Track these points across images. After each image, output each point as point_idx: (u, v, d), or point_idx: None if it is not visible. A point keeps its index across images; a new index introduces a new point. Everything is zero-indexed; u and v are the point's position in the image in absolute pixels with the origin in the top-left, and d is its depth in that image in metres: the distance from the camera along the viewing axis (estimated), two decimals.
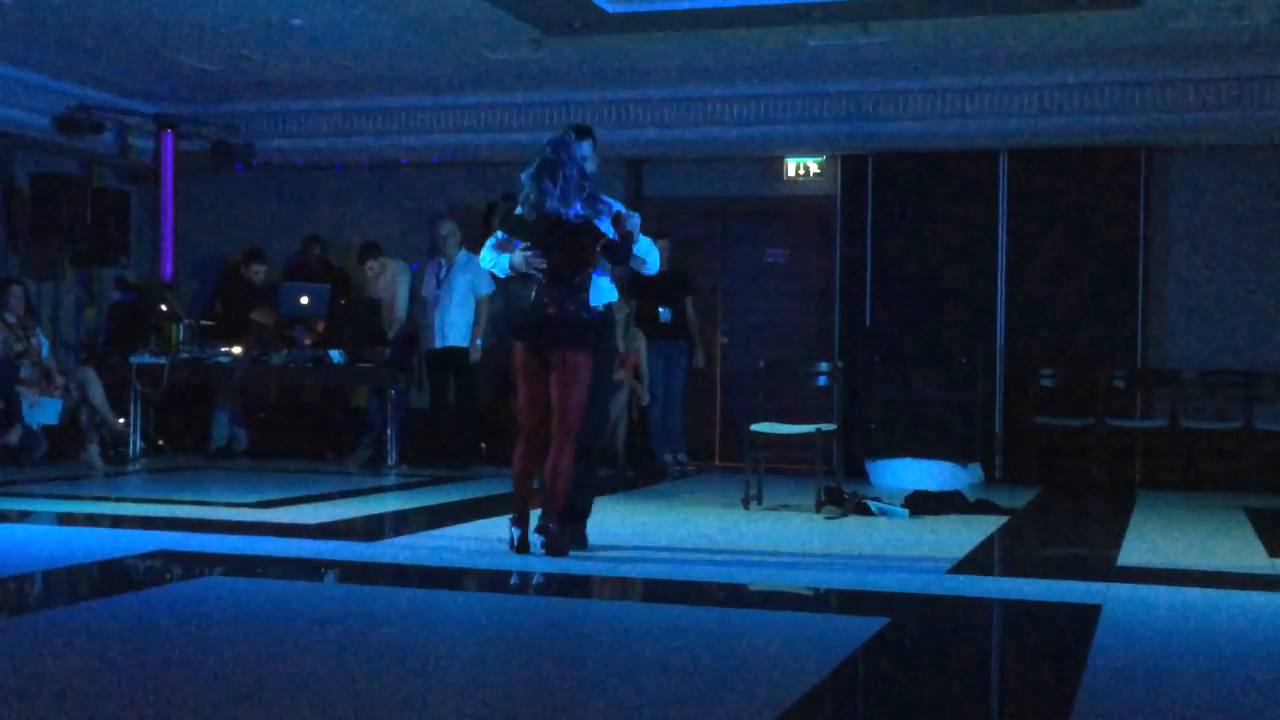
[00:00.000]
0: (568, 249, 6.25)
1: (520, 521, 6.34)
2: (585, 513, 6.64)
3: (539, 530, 6.29)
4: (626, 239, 6.41)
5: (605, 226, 6.38)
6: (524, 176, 6.33)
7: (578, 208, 6.26)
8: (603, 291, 6.52)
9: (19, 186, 11.52)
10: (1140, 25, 9.61)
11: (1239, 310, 10.64)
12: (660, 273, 11.22)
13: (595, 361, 6.36)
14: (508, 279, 7.03)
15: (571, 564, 6.21)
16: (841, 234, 11.33)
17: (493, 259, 6.51)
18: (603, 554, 6.50)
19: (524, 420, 6.37)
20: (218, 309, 11.77)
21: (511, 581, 5.92)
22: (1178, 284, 10.78)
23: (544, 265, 6.25)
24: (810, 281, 11.69)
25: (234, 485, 9.31)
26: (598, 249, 6.32)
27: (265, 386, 11.75)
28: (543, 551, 6.23)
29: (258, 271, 11.67)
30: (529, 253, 6.28)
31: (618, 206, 6.55)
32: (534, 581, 5.93)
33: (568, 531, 6.41)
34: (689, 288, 11.31)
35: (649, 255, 6.66)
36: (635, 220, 6.48)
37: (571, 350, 6.21)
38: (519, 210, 6.40)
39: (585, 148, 6.56)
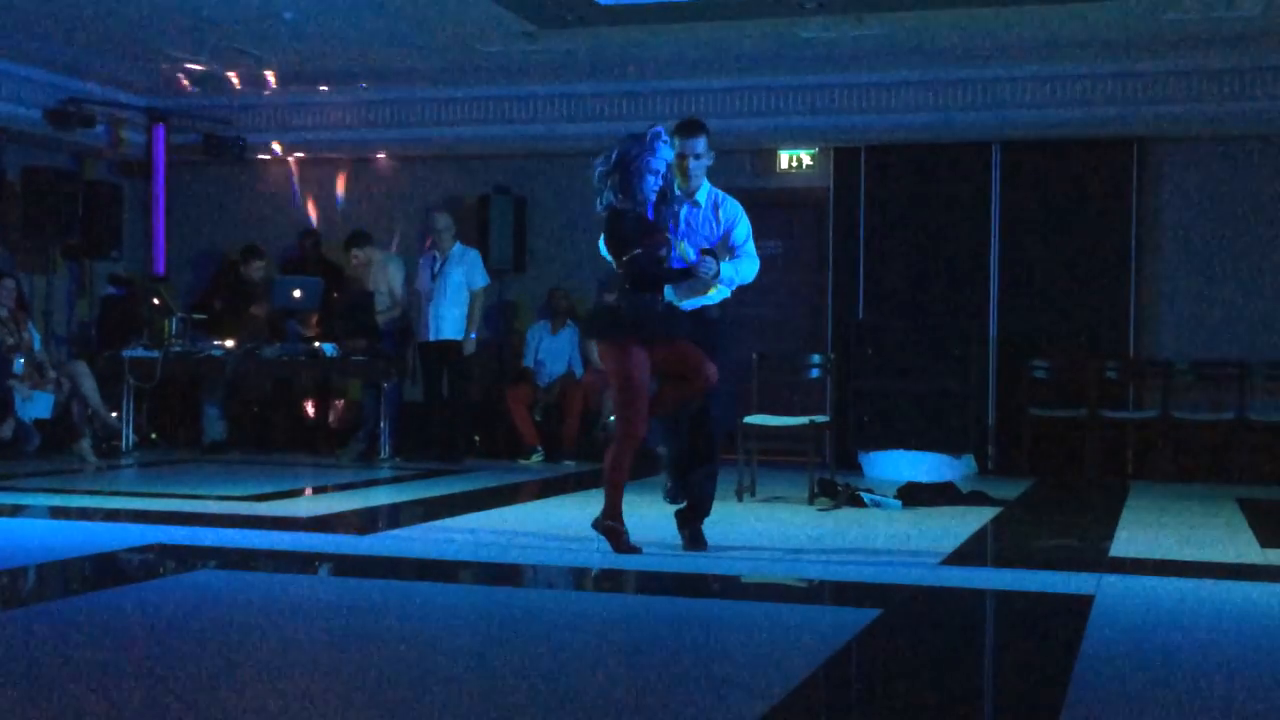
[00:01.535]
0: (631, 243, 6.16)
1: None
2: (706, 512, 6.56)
3: (595, 525, 6.28)
4: (684, 274, 6.24)
5: (696, 219, 6.35)
6: (596, 170, 6.18)
7: (642, 203, 6.14)
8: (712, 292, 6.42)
9: (10, 179, 11.49)
10: (1133, 16, 9.61)
11: (1231, 301, 10.66)
12: None
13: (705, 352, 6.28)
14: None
15: (566, 556, 6.22)
16: (834, 226, 11.34)
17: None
18: (596, 546, 6.50)
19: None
20: (217, 307, 11.72)
21: (504, 575, 5.92)
22: (1170, 275, 10.79)
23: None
24: (803, 274, 11.69)
25: (227, 479, 9.30)
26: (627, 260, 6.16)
27: (258, 380, 11.73)
28: (611, 549, 6.23)
29: (258, 269, 11.64)
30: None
31: (708, 195, 6.44)
32: (526, 574, 5.94)
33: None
34: None
35: (742, 281, 6.51)
36: (708, 267, 6.24)
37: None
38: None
39: (699, 144, 6.39)
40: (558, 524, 7.21)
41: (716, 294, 6.46)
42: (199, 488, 8.74)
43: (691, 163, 6.42)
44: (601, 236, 6.30)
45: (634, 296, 6.15)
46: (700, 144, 6.44)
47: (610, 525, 6.25)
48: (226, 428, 11.49)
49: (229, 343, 10.92)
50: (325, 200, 12.47)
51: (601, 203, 6.20)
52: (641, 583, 5.84)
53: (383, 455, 10.63)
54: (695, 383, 6.19)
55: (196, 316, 11.45)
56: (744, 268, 6.48)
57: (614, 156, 6.11)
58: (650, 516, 7.59)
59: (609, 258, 6.29)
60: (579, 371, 11.14)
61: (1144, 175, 10.79)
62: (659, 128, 6.20)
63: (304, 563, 6.18)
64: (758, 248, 6.64)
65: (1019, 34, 10.13)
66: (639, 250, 6.11)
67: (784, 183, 11.64)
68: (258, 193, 12.64)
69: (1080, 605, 5.17)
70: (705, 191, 6.51)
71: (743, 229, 6.50)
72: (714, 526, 6.70)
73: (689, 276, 6.25)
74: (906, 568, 6.03)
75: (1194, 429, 10.46)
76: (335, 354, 10.63)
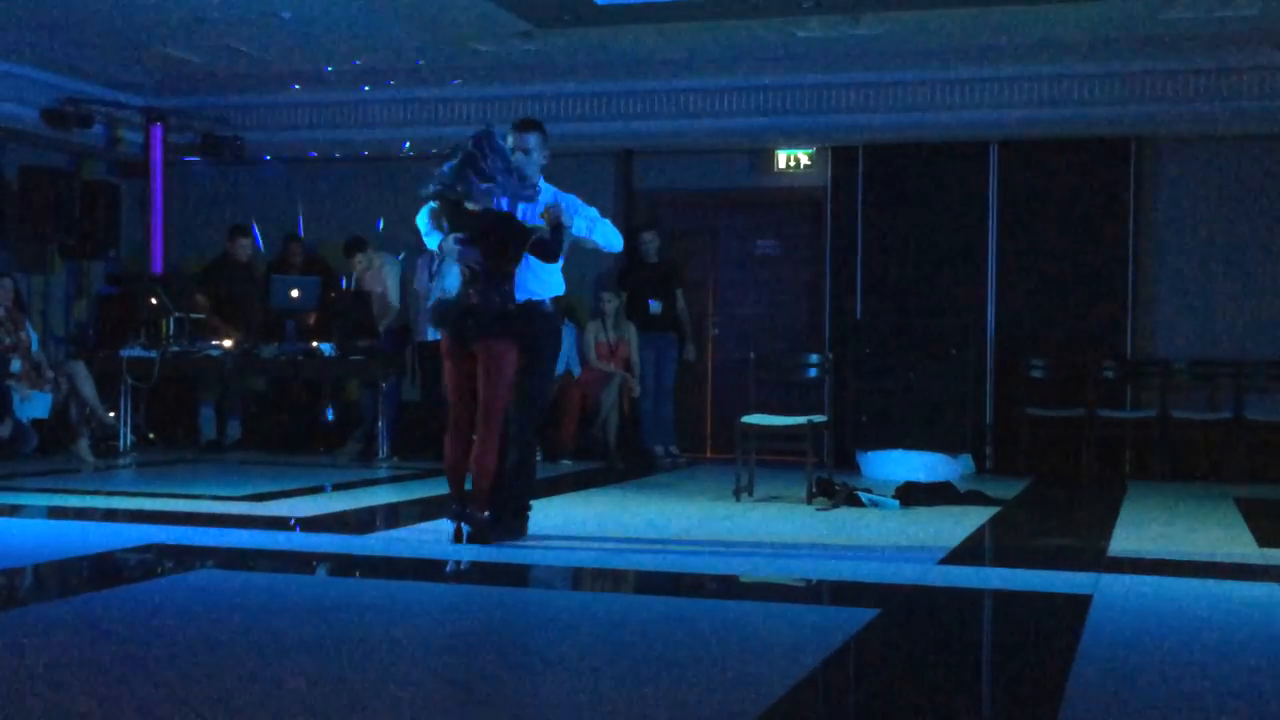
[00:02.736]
0: (491, 243, 6.28)
1: (464, 514, 6.41)
2: (526, 503, 6.67)
3: (463, 518, 6.35)
4: (557, 233, 6.41)
5: (534, 216, 6.45)
6: (445, 168, 6.33)
7: (504, 202, 6.31)
8: (548, 285, 6.58)
9: (8, 179, 11.49)
10: (1130, 16, 9.63)
11: (1229, 300, 10.66)
12: (651, 265, 11.35)
13: (534, 351, 6.44)
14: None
15: (564, 555, 6.22)
16: (832, 226, 11.34)
17: (426, 228, 6.54)
18: (594, 545, 6.51)
19: (454, 410, 6.39)
20: (202, 299, 11.62)
21: (502, 574, 5.92)
22: (1167, 274, 10.80)
23: (478, 262, 6.25)
24: (801, 273, 11.69)
25: (225, 479, 9.30)
26: (526, 247, 6.34)
27: (254, 379, 11.72)
28: (468, 540, 6.31)
29: (244, 246, 11.62)
30: (461, 245, 6.27)
31: (551, 195, 6.59)
32: (524, 574, 5.94)
33: (503, 520, 6.50)
34: (679, 280, 11.33)
35: (604, 237, 6.68)
36: (566, 206, 6.49)
37: (493, 340, 6.26)
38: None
39: (530, 139, 6.58)
40: (556, 523, 7.20)
41: (551, 289, 6.59)
42: (197, 488, 8.74)
43: (519, 157, 6.54)
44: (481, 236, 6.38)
45: (486, 291, 6.29)
46: (530, 139, 6.60)
47: (471, 514, 6.35)
48: (234, 426, 11.48)
49: (227, 342, 10.91)
50: (321, 200, 12.46)
51: (447, 196, 6.37)
52: (639, 582, 5.85)
53: (381, 455, 10.63)
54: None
55: (195, 316, 11.42)
56: (601, 225, 6.65)
57: (469, 149, 6.27)
58: (648, 515, 7.62)
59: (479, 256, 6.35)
60: (576, 371, 11.14)
61: (1141, 175, 10.80)
62: (488, 124, 6.51)
63: (302, 562, 6.19)
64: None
65: (1016, 33, 10.14)
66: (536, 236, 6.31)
67: (781, 182, 11.65)
68: (254, 192, 12.62)
69: (1078, 605, 5.17)
70: (541, 187, 6.64)
71: (589, 209, 6.68)
72: (711, 526, 6.70)
73: (559, 231, 6.38)
74: (904, 567, 6.03)
75: (1191, 428, 10.46)
76: (333, 354, 10.62)
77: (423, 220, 6.54)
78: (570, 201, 6.66)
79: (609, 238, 6.73)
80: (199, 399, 11.43)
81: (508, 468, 6.51)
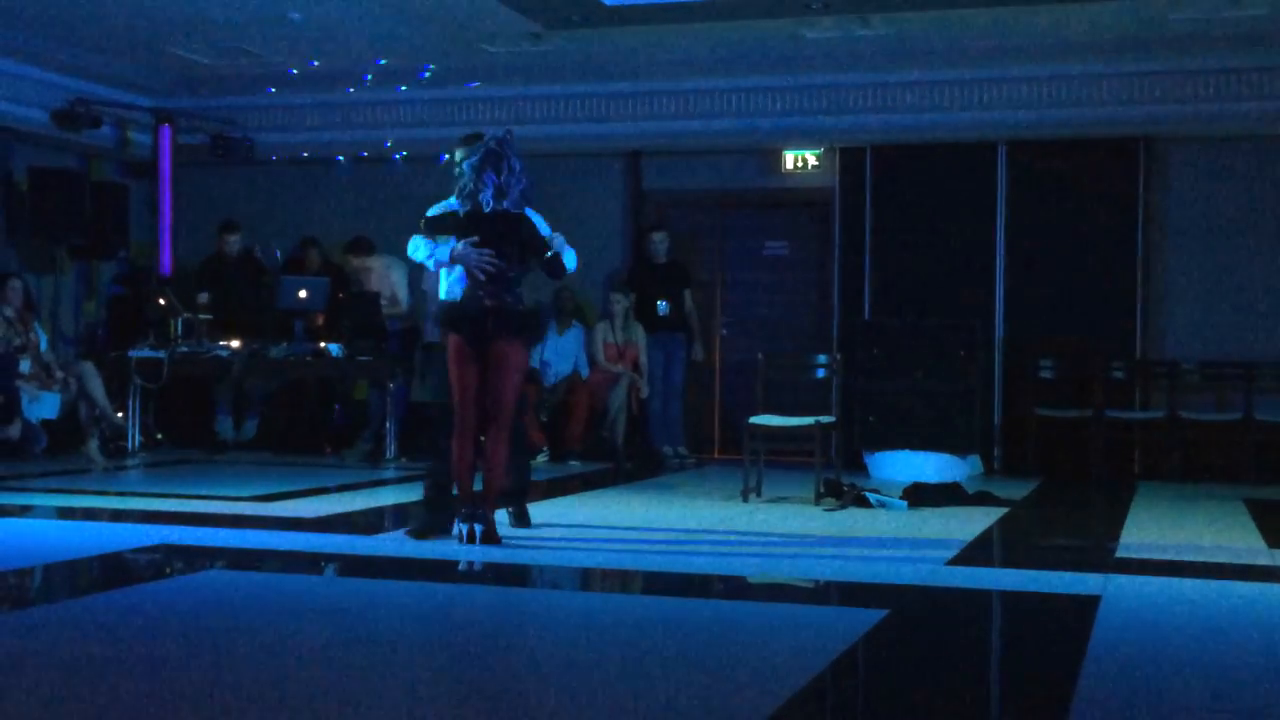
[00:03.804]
0: (505, 242, 6.31)
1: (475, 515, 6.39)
2: (526, 491, 6.99)
3: (476, 518, 6.34)
4: (557, 259, 6.57)
5: (539, 222, 6.62)
6: (465, 165, 6.43)
7: (515, 201, 6.36)
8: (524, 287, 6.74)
9: (17, 180, 11.51)
10: (1139, 17, 9.61)
11: (1238, 301, 10.64)
12: (659, 265, 11.36)
13: (526, 351, 6.57)
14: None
15: (572, 556, 6.23)
16: (840, 226, 11.33)
17: (427, 250, 6.61)
18: (602, 546, 6.52)
19: (463, 412, 6.38)
20: (203, 300, 11.60)
21: (510, 575, 5.93)
22: (1177, 275, 10.78)
23: (494, 264, 6.27)
24: (809, 274, 11.68)
25: (233, 479, 9.31)
26: (539, 256, 6.46)
27: (264, 380, 11.73)
28: (480, 540, 6.30)
29: (231, 242, 11.63)
30: (476, 249, 6.29)
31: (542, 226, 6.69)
32: (531, 575, 5.94)
33: (513, 514, 6.75)
34: (687, 280, 11.33)
35: (570, 264, 6.81)
36: (558, 241, 6.63)
37: (507, 341, 6.30)
38: (453, 201, 6.54)
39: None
40: (564, 524, 7.21)
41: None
42: (205, 488, 8.75)
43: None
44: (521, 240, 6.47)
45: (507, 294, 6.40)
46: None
47: (486, 515, 6.36)
48: (247, 426, 11.49)
49: (235, 343, 10.92)
50: (330, 201, 12.46)
51: (461, 194, 6.47)
52: (647, 583, 5.85)
53: (388, 456, 10.64)
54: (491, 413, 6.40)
55: (202, 317, 11.43)
56: (568, 255, 6.81)
57: (492, 147, 6.36)
58: (656, 516, 7.61)
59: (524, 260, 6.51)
60: (585, 371, 11.15)
61: (1150, 175, 10.78)
62: (505, 129, 6.62)
63: (310, 563, 6.20)
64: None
65: (1024, 34, 10.13)
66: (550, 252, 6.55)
67: (789, 183, 11.63)
68: (263, 193, 12.63)
69: (1087, 606, 5.16)
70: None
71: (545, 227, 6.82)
72: (719, 526, 6.70)
73: (558, 256, 6.59)
74: (913, 568, 6.02)
75: (1201, 429, 10.44)
76: (341, 354, 10.63)
77: (419, 251, 6.64)
78: (538, 219, 6.75)
79: (571, 264, 6.84)
80: (216, 400, 11.45)
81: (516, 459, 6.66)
